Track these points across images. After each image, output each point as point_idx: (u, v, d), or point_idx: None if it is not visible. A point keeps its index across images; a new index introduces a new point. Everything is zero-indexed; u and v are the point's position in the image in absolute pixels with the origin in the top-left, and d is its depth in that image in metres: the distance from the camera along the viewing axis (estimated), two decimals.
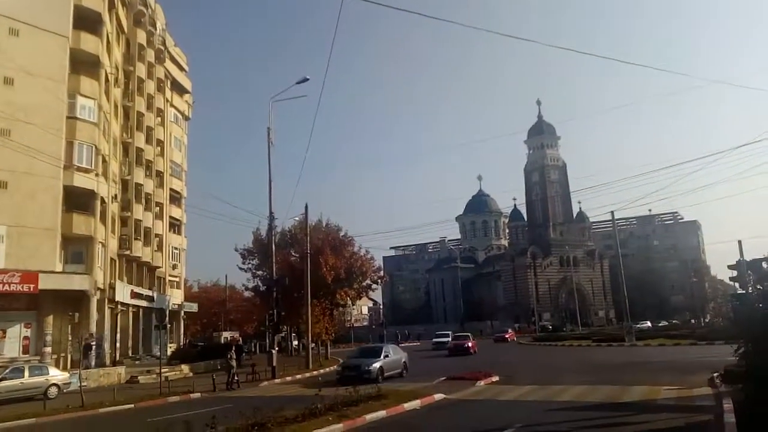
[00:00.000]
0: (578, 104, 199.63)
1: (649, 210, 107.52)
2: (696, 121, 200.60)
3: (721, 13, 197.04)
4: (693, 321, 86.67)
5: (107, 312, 36.69)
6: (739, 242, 18.52)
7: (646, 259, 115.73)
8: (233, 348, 29.09)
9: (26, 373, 23.10)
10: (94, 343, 29.72)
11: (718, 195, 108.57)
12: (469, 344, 42.78)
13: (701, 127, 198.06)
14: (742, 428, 9.31)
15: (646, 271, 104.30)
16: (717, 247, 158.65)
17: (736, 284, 13.72)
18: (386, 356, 24.46)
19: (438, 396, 17.09)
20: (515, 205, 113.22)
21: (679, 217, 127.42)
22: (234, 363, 25.61)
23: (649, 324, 71.10)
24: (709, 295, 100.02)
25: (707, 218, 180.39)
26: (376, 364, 23.17)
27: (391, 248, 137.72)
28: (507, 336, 65.49)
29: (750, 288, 12.33)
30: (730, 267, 14.46)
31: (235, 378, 25.10)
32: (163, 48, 51.82)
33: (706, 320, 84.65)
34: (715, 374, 16.95)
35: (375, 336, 79.99)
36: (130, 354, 42.57)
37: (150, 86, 48.55)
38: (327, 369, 32.96)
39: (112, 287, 38.28)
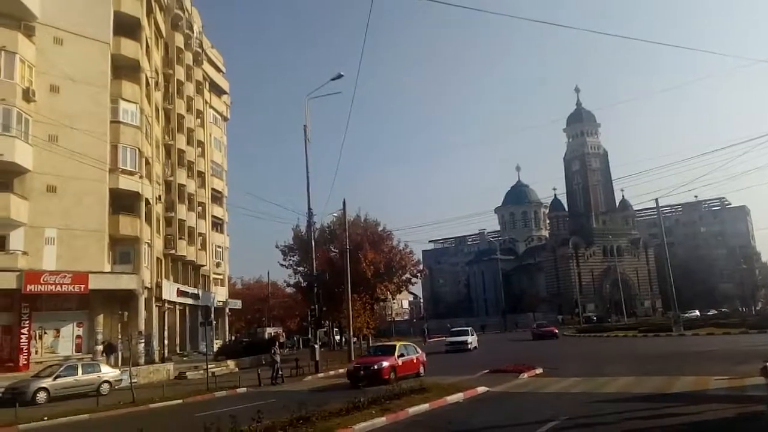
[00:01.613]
0: (618, 90, 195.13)
1: (695, 196, 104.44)
2: (743, 103, 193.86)
3: None
4: (743, 309, 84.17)
5: (155, 310, 37.59)
6: None
7: (693, 247, 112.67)
8: (276, 343, 29.51)
9: (79, 371, 23.84)
10: (121, 342, 30.28)
11: (767, 179, 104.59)
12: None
13: (748, 108, 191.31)
14: None
15: (694, 259, 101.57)
16: (767, 233, 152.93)
17: None
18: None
19: (481, 389, 17.01)
20: (555, 195, 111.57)
21: (726, 202, 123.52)
22: (278, 358, 25.95)
23: (697, 313, 69.40)
24: (759, 282, 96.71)
25: (757, 203, 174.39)
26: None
27: (430, 242, 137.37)
28: (552, 330, 52.57)
29: None
30: None
31: (279, 372, 25.46)
32: (200, 50, 52.71)
33: (757, 308, 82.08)
34: None
35: (416, 329, 79.86)
36: (178, 351, 43.56)
37: (189, 88, 49.45)
38: None
39: (159, 286, 39.21)
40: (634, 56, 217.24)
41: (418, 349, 24.39)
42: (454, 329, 46.97)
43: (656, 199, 48.45)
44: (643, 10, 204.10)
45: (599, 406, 12.97)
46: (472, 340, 40.97)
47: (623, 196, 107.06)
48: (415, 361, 23.24)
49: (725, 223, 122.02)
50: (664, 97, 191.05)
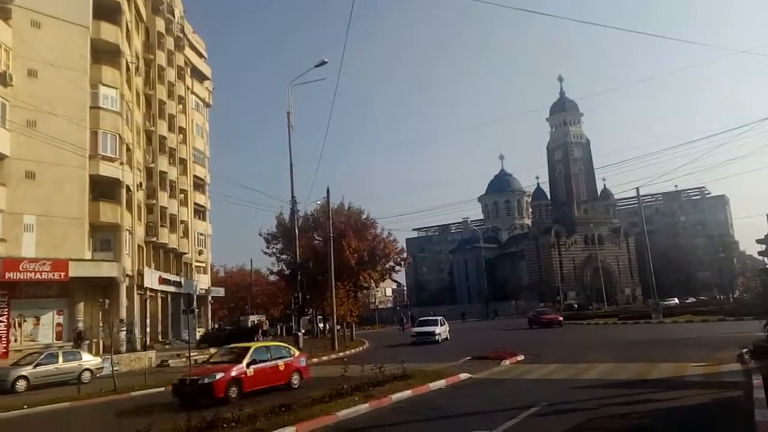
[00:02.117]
0: (601, 80, 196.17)
1: (676, 186, 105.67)
2: (723, 94, 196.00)
3: None
4: (721, 297, 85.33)
5: (136, 298, 37.35)
6: None
7: (672, 236, 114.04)
8: (260, 331, 29.48)
9: (60, 359, 23.63)
10: (82, 329, 29.98)
11: (746, 168, 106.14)
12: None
13: (729, 99, 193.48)
14: None
15: (673, 248, 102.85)
16: (745, 222, 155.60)
17: (766, 259, 13.45)
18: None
19: (463, 375, 17.17)
20: (538, 183, 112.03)
21: (706, 192, 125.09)
22: None
23: (676, 301, 70.42)
24: (737, 270, 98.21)
25: (735, 193, 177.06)
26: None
27: (414, 230, 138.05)
28: (554, 318, 46.97)
29: None
30: (758, 241, 14.19)
31: None
32: (182, 35, 52.01)
33: (735, 296, 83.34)
34: (744, 350, 16.79)
35: (399, 317, 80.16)
36: (160, 339, 43.37)
37: (170, 74, 48.83)
38: (353, 350, 33.30)
39: (141, 274, 38.94)
40: (616, 46, 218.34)
41: (294, 351, 19.03)
42: (422, 318, 42.11)
43: (637, 188, 49.02)
44: (626, 2, 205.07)
45: (579, 392, 13.16)
46: (441, 330, 36.85)
47: (605, 185, 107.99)
48: (282, 368, 17.46)
49: (704, 213, 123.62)
50: (646, 87, 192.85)
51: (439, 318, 39.70)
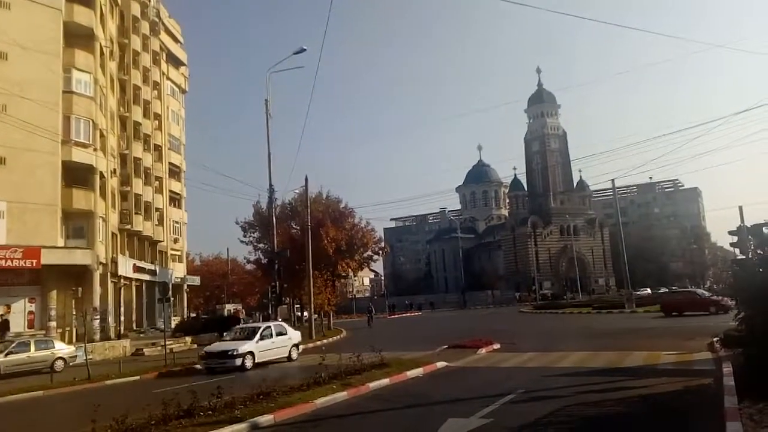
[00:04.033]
0: (579, 72, 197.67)
1: (650, 178, 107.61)
2: (698, 88, 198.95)
3: None
4: (693, 287, 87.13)
5: (110, 286, 36.93)
6: (740, 208, 18.53)
7: (646, 227, 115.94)
8: (241, 321, 29.24)
9: (32, 347, 23.29)
10: (8, 318, 29.45)
11: (719, 161, 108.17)
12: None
13: (704, 93, 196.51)
14: (741, 391, 9.42)
15: (647, 239, 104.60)
16: (718, 214, 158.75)
17: (737, 250, 13.72)
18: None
19: (440, 364, 17.27)
20: (515, 174, 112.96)
21: (679, 184, 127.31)
22: None
23: (648, 291, 71.51)
24: (708, 261, 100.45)
25: (708, 185, 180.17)
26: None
27: (392, 219, 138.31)
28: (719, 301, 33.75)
29: (750, 253, 12.32)
30: (730, 233, 14.46)
31: None
32: (157, 20, 51.18)
33: (706, 286, 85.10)
34: (715, 339, 17.12)
35: (377, 307, 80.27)
36: (135, 327, 42.99)
37: (145, 59, 48.05)
38: (330, 339, 33.37)
39: (114, 261, 38.46)
40: (594, 39, 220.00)
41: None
42: (239, 327, 25.40)
43: (612, 180, 49.72)
44: None
45: (554, 379, 13.34)
46: (254, 348, 20.49)
47: (581, 176, 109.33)
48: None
49: (678, 205, 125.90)
50: (622, 80, 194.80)
51: (268, 326, 22.57)
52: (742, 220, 17.15)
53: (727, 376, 11.08)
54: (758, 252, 11.59)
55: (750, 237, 12.12)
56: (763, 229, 11.14)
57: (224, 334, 25.55)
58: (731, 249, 15.52)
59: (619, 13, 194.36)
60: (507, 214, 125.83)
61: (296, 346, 22.52)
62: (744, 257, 13.15)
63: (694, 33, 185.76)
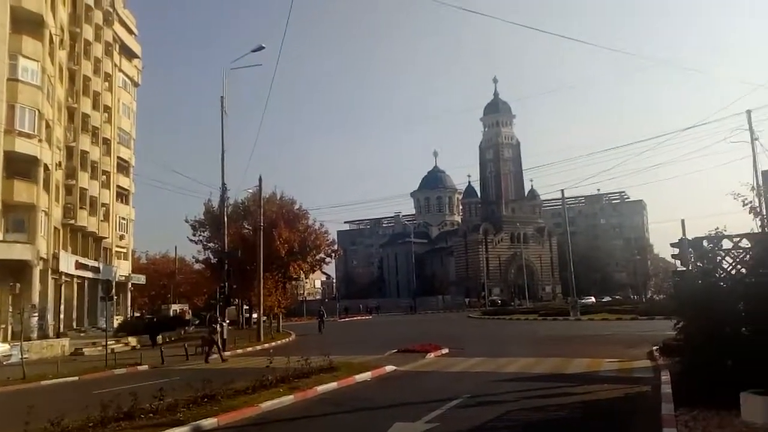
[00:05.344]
0: (533, 83, 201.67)
1: (598, 189, 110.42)
2: (646, 103, 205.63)
3: None
4: (635, 297, 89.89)
5: (51, 283, 35.65)
6: (682, 221, 19.12)
7: (592, 237, 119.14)
8: (218, 319, 28.19)
9: None
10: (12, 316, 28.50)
11: (664, 176, 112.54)
12: None
13: (652, 108, 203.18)
14: (677, 398, 9.75)
15: (593, 249, 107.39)
16: (661, 226, 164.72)
17: (678, 262, 14.18)
18: None
19: (389, 368, 17.29)
20: (469, 181, 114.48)
21: (626, 196, 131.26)
22: (217, 337, 24.87)
23: (593, 299, 73.46)
24: (651, 272, 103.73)
25: (652, 198, 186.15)
26: None
27: (346, 222, 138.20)
28: None
29: (690, 265, 12.76)
30: (672, 245, 14.92)
31: (205, 349, 24.36)
32: (111, 9, 49.83)
33: (648, 296, 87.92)
34: (655, 348, 17.69)
35: (328, 309, 79.86)
36: (75, 326, 41.58)
37: (97, 49, 46.69)
38: (279, 342, 33.00)
39: (56, 257, 37.15)
40: (549, 51, 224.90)
41: None
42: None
43: (562, 191, 51.02)
44: (558, 8, 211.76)
45: (500, 384, 13.52)
46: None
47: (532, 185, 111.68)
48: None
49: (623, 216, 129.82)
50: (571, 93, 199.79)
51: None
52: (684, 233, 17.74)
53: (665, 383, 11.46)
54: (698, 264, 11.99)
55: (691, 249, 12.52)
56: (704, 242, 11.52)
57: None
58: (673, 260, 16.04)
59: (572, 27, 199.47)
60: (460, 221, 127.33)
61: None
62: (684, 269, 13.58)
63: (648, 48, 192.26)
